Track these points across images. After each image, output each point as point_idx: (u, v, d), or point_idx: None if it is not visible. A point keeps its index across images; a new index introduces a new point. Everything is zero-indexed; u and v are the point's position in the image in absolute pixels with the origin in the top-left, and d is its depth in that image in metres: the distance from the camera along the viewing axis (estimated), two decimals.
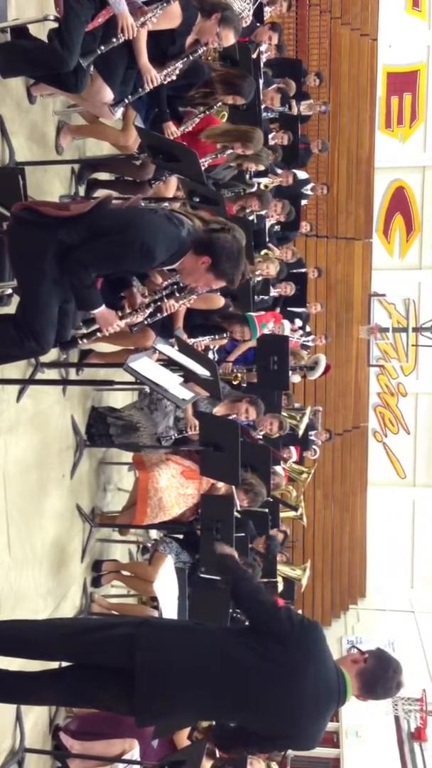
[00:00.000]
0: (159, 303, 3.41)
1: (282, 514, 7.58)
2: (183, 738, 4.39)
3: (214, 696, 2.72)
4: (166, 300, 3.42)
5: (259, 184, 6.26)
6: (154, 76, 3.67)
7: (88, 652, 2.82)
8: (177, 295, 3.41)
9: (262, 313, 6.27)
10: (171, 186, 4.58)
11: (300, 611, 8.13)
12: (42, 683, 2.98)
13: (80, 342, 3.34)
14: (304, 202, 9.65)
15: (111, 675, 2.79)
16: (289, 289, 7.64)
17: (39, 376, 3.95)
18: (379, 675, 2.80)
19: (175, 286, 3.38)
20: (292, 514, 8.17)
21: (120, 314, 3.20)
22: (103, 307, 3.03)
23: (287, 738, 2.87)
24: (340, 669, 2.78)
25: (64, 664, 3.04)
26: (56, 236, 2.79)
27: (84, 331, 3.69)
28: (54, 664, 3.07)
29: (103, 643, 2.78)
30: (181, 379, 3.83)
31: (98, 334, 3.28)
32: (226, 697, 2.71)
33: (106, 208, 2.92)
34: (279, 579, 7.05)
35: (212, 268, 3.02)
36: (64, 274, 2.83)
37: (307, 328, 9.44)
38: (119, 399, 5.60)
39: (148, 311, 3.37)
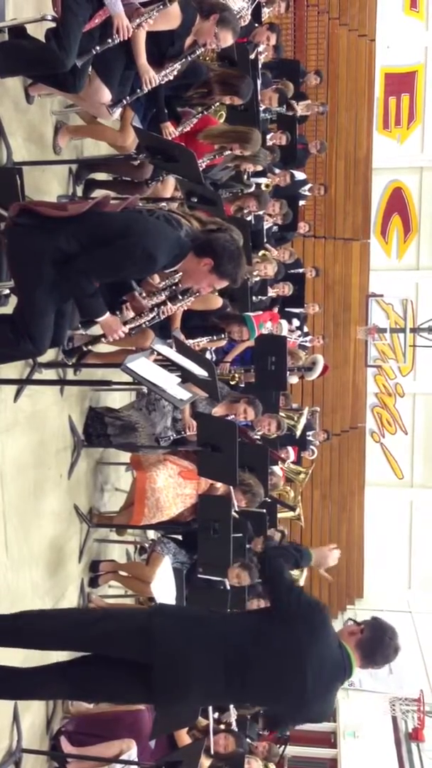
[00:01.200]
0: (161, 306, 3.41)
1: (280, 515, 7.58)
2: (184, 735, 4.40)
3: (228, 680, 2.81)
4: (168, 302, 3.42)
5: (258, 185, 6.27)
6: (152, 77, 3.67)
7: (101, 643, 2.87)
8: (179, 297, 3.41)
9: (260, 313, 6.27)
10: (169, 186, 4.58)
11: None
12: (49, 676, 3.00)
13: (84, 349, 3.35)
14: (302, 202, 9.65)
15: (123, 665, 2.84)
16: (287, 289, 7.64)
17: (36, 376, 3.95)
18: (377, 643, 2.93)
19: (176, 287, 3.38)
20: (289, 514, 8.17)
21: (122, 319, 3.20)
22: (107, 315, 3.03)
23: (299, 714, 3.00)
24: (342, 644, 2.90)
25: (66, 657, 3.05)
26: (55, 242, 2.78)
27: (82, 332, 3.69)
28: (54, 659, 3.07)
29: (117, 634, 2.84)
30: (179, 380, 3.83)
31: (102, 340, 3.29)
32: (238, 680, 2.81)
33: (104, 209, 2.92)
34: None
35: (215, 270, 3.03)
36: (62, 278, 2.82)
37: (305, 329, 9.44)
38: (117, 399, 5.60)
39: (150, 316, 3.37)
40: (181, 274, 3.23)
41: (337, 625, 13.23)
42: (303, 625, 2.82)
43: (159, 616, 2.91)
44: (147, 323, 3.53)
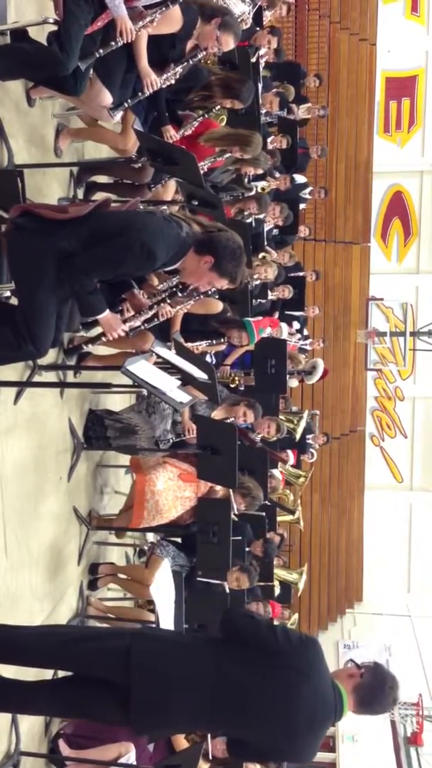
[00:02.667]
0: (161, 305, 3.41)
1: (279, 518, 7.58)
2: (181, 740, 4.38)
3: (210, 711, 2.70)
4: (168, 301, 3.42)
5: (256, 187, 6.27)
6: (153, 80, 3.67)
7: (83, 662, 2.79)
8: (179, 296, 3.41)
9: (260, 318, 6.27)
10: (170, 189, 4.58)
11: (296, 615, 8.16)
12: (37, 695, 2.96)
13: (84, 348, 3.34)
14: (302, 206, 9.66)
15: (105, 686, 2.76)
16: (287, 292, 7.64)
17: (36, 378, 3.95)
18: (376, 690, 2.77)
19: (175, 288, 3.38)
20: (289, 517, 8.17)
21: (122, 318, 3.20)
22: (107, 312, 3.03)
23: (283, 752, 2.85)
24: (336, 684, 2.75)
25: (60, 673, 3.02)
26: (55, 244, 2.78)
27: (83, 333, 3.68)
28: (48, 674, 3.06)
29: (98, 654, 2.76)
30: (179, 383, 3.83)
31: (102, 339, 3.28)
32: (221, 712, 2.69)
33: (104, 211, 2.92)
34: (276, 583, 7.05)
35: (215, 267, 3.02)
36: (63, 280, 2.82)
37: (305, 332, 9.45)
38: (117, 402, 5.60)
39: (149, 314, 3.37)
40: (180, 276, 3.23)
41: (335, 630, 13.19)
42: (295, 663, 2.68)
43: (140, 640, 2.78)
44: (146, 324, 3.52)
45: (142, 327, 3.54)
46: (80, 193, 4.76)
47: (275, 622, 7.04)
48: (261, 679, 2.67)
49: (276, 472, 6.85)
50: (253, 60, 5.84)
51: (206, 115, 4.39)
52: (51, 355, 3.90)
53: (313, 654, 2.73)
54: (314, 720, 2.68)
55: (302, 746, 2.73)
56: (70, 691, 2.90)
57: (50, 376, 4.20)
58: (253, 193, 5.79)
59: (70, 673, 2.94)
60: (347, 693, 2.73)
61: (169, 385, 3.63)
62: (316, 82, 9.29)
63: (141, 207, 3.55)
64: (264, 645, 2.72)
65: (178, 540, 5.22)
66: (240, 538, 5.24)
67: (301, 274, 9.10)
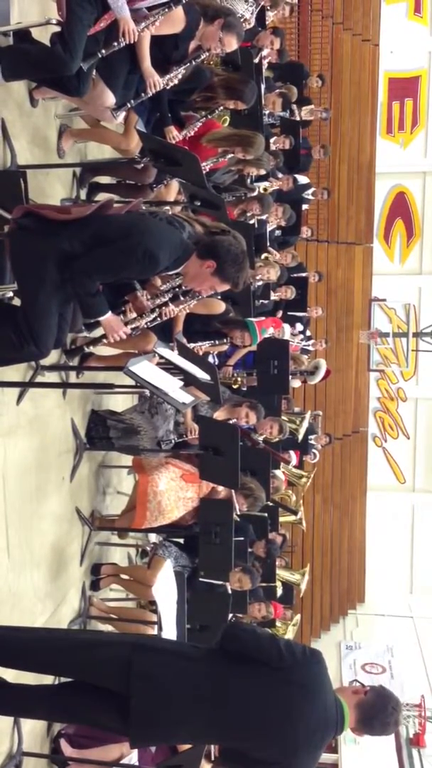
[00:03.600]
0: (163, 307, 3.41)
1: (281, 519, 7.58)
2: None
3: (209, 724, 2.70)
4: (170, 303, 3.41)
5: (259, 188, 6.27)
6: (156, 81, 3.67)
7: (84, 670, 2.78)
8: (181, 298, 3.40)
9: (263, 318, 6.27)
10: (172, 190, 4.59)
11: (299, 615, 8.16)
12: (36, 701, 2.95)
13: (86, 349, 3.34)
14: (305, 206, 9.65)
15: (106, 695, 2.76)
16: (289, 292, 7.64)
17: (39, 378, 3.95)
18: (379, 710, 2.75)
19: (178, 289, 3.38)
20: (291, 518, 8.17)
21: (124, 319, 3.20)
22: (109, 314, 3.02)
23: (282, 765, 2.80)
24: (338, 699, 2.75)
25: (61, 679, 3.01)
26: (58, 245, 2.78)
27: (86, 334, 3.68)
28: (48, 679, 3.05)
29: (99, 664, 2.75)
30: (182, 383, 3.83)
31: (104, 341, 3.28)
32: (223, 725, 2.69)
33: (107, 212, 2.92)
34: (278, 583, 7.05)
35: (217, 272, 3.01)
36: (65, 281, 2.82)
37: (308, 333, 9.45)
38: (119, 402, 5.60)
39: (151, 316, 3.36)
40: (182, 276, 3.23)
41: (337, 631, 13.18)
42: (297, 677, 2.67)
43: (141, 651, 2.76)
44: (148, 324, 3.52)
45: (145, 327, 3.53)
46: (83, 194, 4.77)
47: (277, 623, 7.05)
48: (263, 693, 2.66)
49: (278, 472, 6.85)
50: (256, 60, 5.84)
51: (209, 116, 4.39)
52: (53, 356, 3.90)
53: (316, 668, 2.73)
54: (315, 734, 2.68)
55: (302, 759, 2.72)
56: (69, 697, 2.89)
57: (53, 377, 4.20)
58: (255, 194, 5.78)
59: (70, 679, 2.94)
60: (349, 708, 2.73)
61: (172, 385, 3.63)
62: (318, 82, 9.30)
63: (143, 207, 3.54)
64: (267, 659, 2.71)
65: (181, 541, 5.23)
66: (242, 538, 5.24)
67: (303, 274, 9.10)
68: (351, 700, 2.76)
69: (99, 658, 2.76)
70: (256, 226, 6.06)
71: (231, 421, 4.97)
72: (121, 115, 3.85)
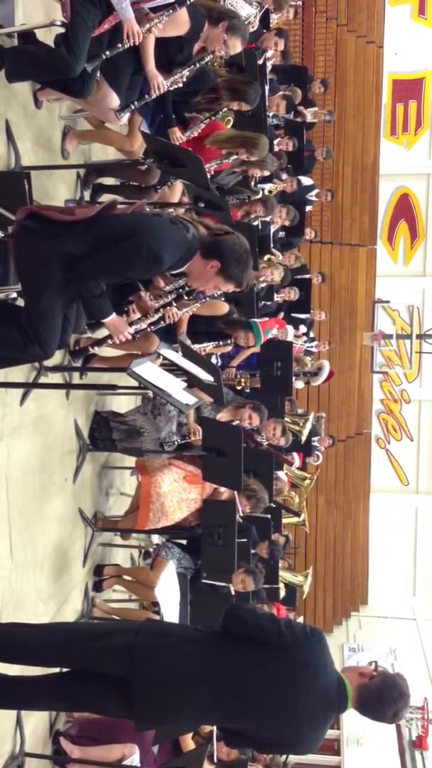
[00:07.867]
0: (167, 308, 3.41)
1: (285, 520, 7.57)
2: (188, 740, 4.38)
3: (213, 705, 2.72)
4: (174, 304, 3.41)
5: (263, 189, 6.27)
6: (160, 83, 3.68)
7: (87, 661, 2.82)
8: (185, 299, 3.40)
9: (266, 319, 6.27)
10: (176, 191, 4.59)
11: (302, 618, 8.15)
12: (42, 689, 2.98)
13: (91, 350, 3.34)
14: (308, 208, 9.66)
15: (110, 681, 2.79)
16: (293, 294, 7.64)
17: (43, 379, 3.96)
18: (383, 695, 2.74)
19: (182, 290, 3.38)
20: (294, 520, 8.16)
21: (128, 320, 3.20)
22: (113, 316, 3.03)
23: (286, 745, 2.87)
24: (342, 678, 2.76)
25: (64, 669, 3.03)
26: (62, 246, 2.78)
27: (89, 334, 3.67)
28: (53, 669, 3.07)
29: (102, 653, 2.78)
30: (185, 384, 3.83)
31: (109, 341, 3.28)
32: (226, 706, 2.71)
33: (111, 213, 2.92)
34: (281, 585, 7.04)
35: (221, 272, 3.02)
36: (69, 282, 2.83)
37: (311, 334, 9.44)
38: (123, 403, 5.60)
39: (155, 317, 3.36)
40: (186, 277, 3.23)
41: (340, 633, 13.18)
42: (298, 656, 2.68)
43: (143, 635, 2.79)
44: (152, 326, 3.52)
45: (148, 329, 3.54)
46: (87, 195, 4.77)
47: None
48: (264, 672, 2.69)
49: (281, 474, 6.85)
50: (260, 62, 5.84)
51: (213, 118, 4.39)
52: (57, 357, 3.90)
53: (317, 646, 2.73)
54: (317, 712, 2.70)
55: (305, 738, 2.74)
56: (74, 685, 2.92)
57: (56, 378, 4.20)
58: (259, 195, 5.78)
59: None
60: (353, 689, 2.73)
61: (175, 386, 3.63)
62: (320, 89, 9.33)
63: (147, 209, 3.55)
64: (267, 638, 2.73)
65: (183, 542, 5.22)
66: (245, 540, 5.23)
67: (307, 276, 9.09)
68: (356, 680, 2.75)
69: (103, 648, 2.79)
70: (259, 227, 6.06)
71: (234, 423, 4.96)
72: (125, 116, 3.85)
